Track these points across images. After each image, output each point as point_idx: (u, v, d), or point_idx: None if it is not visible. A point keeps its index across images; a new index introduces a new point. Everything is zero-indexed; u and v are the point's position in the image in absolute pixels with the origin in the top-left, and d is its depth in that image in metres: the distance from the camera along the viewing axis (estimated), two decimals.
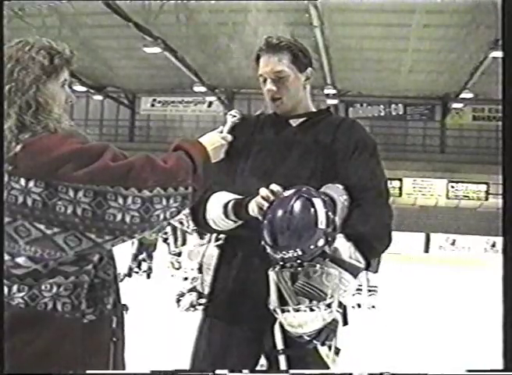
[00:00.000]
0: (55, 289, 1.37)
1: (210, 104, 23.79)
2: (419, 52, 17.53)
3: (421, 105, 22.97)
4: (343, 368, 1.64)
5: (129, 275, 9.58)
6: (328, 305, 1.59)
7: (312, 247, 1.57)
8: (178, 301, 6.63)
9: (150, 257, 9.92)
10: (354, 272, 1.66)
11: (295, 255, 1.56)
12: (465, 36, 15.68)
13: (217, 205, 1.76)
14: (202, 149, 1.56)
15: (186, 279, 7.07)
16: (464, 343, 5.67)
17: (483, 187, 21.02)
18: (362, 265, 1.68)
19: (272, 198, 1.63)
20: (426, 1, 14.28)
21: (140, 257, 9.87)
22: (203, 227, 1.84)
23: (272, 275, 1.63)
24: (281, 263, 1.60)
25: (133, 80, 22.25)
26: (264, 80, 1.87)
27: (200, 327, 1.89)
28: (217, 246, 1.94)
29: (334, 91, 21.22)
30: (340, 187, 1.74)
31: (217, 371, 1.59)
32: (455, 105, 22.03)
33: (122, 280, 9.25)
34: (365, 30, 16.27)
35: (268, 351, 1.78)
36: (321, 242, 1.58)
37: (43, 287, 1.36)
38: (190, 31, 16.45)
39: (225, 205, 1.74)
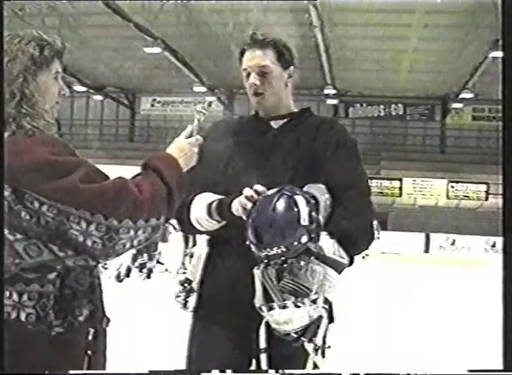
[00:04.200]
0: (15, 297, 1.31)
1: (210, 104, 23.74)
2: (419, 52, 17.54)
3: (421, 105, 22.99)
4: (339, 368, 1.64)
5: (127, 275, 9.54)
6: (314, 301, 1.61)
7: (295, 243, 1.59)
8: (185, 303, 6.57)
9: (150, 257, 9.88)
10: (338, 268, 1.68)
11: (279, 251, 1.58)
12: (465, 36, 15.69)
13: (201, 206, 1.77)
14: (175, 166, 1.49)
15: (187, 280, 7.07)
16: (464, 343, 5.67)
17: (483, 187, 21.01)
18: (346, 261, 1.70)
19: (255, 197, 1.65)
20: (426, 1, 14.28)
21: (141, 259, 9.82)
22: (188, 229, 1.85)
23: (257, 273, 1.64)
24: (265, 261, 1.62)
25: (133, 80, 22.26)
26: (248, 75, 1.87)
27: (192, 331, 1.89)
28: (203, 248, 1.94)
29: (334, 91, 21.22)
30: (322, 186, 1.76)
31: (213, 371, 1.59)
32: (455, 105, 22.04)
33: (121, 281, 9.25)
34: (365, 30, 16.27)
35: (255, 351, 1.80)
36: (304, 239, 1.60)
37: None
38: (190, 31, 16.45)
39: (209, 206, 1.76)
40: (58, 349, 1.34)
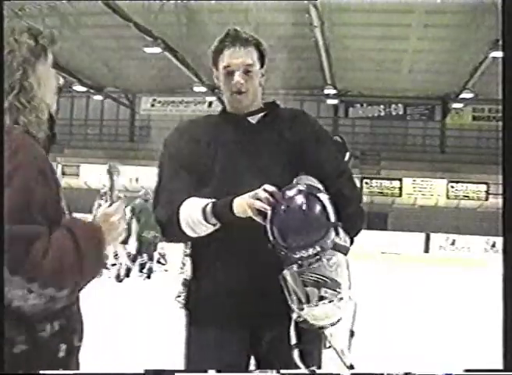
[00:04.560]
0: None
1: (210, 104, 23.80)
2: (419, 52, 17.54)
3: (421, 105, 22.98)
4: (339, 368, 1.65)
5: (127, 275, 9.54)
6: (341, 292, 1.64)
7: (329, 242, 1.62)
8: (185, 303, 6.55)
9: (150, 257, 9.87)
10: (346, 252, 1.71)
11: (314, 252, 1.60)
12: (465, 36, 15.69)
13: (193, 210, 1.73)
14: (97, 237, 1.35)
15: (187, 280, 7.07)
16: (464, 343, 5.67)
17: (483, 187, 21.02)
18: (348, 244, 1.73)
19: (272, 199, 1.63)
20: (426, 1, 14.29)
21: (141, 259, 9.82)
22: (177, 237, 1.83)
23: (290, 275, 1.63)
24: (299, 263, 1.61)
25: (133, 80, 22.25)
26: (230, 73, 1.84)
27: (188, 334, 1.87)
28: (191, 252, 1.91)
29: (334, 91, 21.22)
30: (311, 177, 1.77)
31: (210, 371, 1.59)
32: (455, 105, 22.04)
33: (121, 281, 9.26)
34: (365, 30, 16.29)
35: (258, 351, 1.82)
36: (333, 235, 1.64)
37: None
38: (190, 31, 16.45)
39: (204, 209, 1.72)
40: (20, 368, 1.25)
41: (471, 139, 22.98)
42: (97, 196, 9.65)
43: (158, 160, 1.92)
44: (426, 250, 20.08)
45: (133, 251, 9.76)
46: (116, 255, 9.60)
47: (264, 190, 1.64)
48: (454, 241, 19.99)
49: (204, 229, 1.74)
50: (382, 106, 23.19)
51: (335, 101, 22.78)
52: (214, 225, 1.72)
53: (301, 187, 1.66)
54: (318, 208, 1.62)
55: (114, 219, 1.41)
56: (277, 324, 1.76)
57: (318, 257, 1.61)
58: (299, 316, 1.66)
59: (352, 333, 1.71)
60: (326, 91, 20.80)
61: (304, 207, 1.62)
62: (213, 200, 1.73)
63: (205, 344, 1.82)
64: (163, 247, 11.26)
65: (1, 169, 1.25)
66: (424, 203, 21.76)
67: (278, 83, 19.42)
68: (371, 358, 4.61)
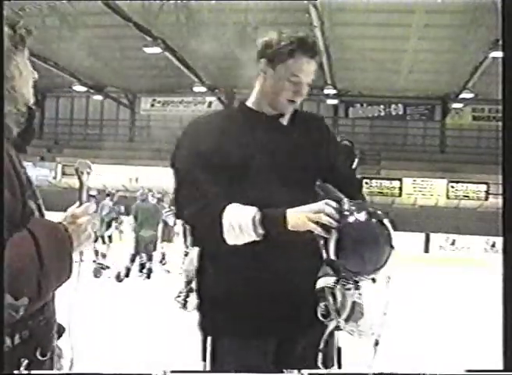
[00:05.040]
0: None
1: (210, 104, 23.80)
2: (419, 52, 17.54)
3: (421, 105, 22.99)
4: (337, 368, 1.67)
5: (127, 275, 9.54)
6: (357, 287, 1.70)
7: (386, 264, 1.66)
8: (184, 303, 6.57)
9: (149, 257, 9.87)
10: None
11: (374, 275, 1.66)
12: (465, 36, 15.69)
13: (242, 219, 1.66)
14: (60, 238, 1.24)
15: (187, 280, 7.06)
16: (464, 343, 5.67)
17: (483, 187, 21.02)
18: None
19: (337, 216, 1.63)
20: (426, 1, 14.28)
21: (140, 260, 9.81)
22: (212, 244, 1.76)
23: (338, 292, 1.67)
24: (357, 284, 1.67)
25: (133, 80, 22.26)
26: (294, 82, 1.79)
27: (213, 347, 1.79)
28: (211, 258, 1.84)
29: (334, 91, 21.22)
30: (331, 186, 1.78)
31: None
32: (455, 105, 22.05)
33: (121, 281, 9.25)
34: (365, 30, 16.28)
35: (292, 361, 1.80)
36: None
37: None
38: (190, 31, 16.45)
39: (253, 219, 1.66)
40: None
41: (471, 139, 22.99)
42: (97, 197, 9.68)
43: (176, 157, 1.81)
44: (426, 250, 20.07)
45: (131, 251, 9.76)
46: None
47: (328, 205, 1.64)
48: (454, 241, 19.98)
49: (247, 238, 1.68)
50: (381, 106, 23.20)
51: (335, 101, 22.78)
52: (259, 235, 1.66)
53: (370, 210, 1.66)
54: (386, 236, 1.64)
55: (82, 221, 1.30)
56: (307, 332, 1.79)
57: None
58: (337, 326, 1.70)
59: (377, 343, 1.78)
60: (326, 91, 20.79)
61: (377, 236, 1.64)
62: (257, 209, 1.67)
63: (236, 359, 1.76)
64: (163, 246, 11.27)
65: (1, 170, 1.23)
66: (424, 203, 21.75)
67: None
68: (371, 358, 4.61)
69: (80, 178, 1.39)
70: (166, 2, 14.97)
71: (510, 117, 1.54)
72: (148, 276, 9.66)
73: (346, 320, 1.66)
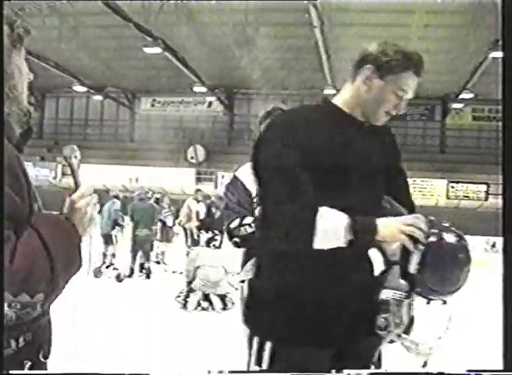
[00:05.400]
0: None
1: (210, 104, 23.80)
2: (419, 52, 17.52)
3: (421, 105, 22.97)
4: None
5: (130, 275, 9.56)
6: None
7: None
8: (184, 303, 6.57)
9: (147, 257, 9.85)
10: None
11: (449, 297, 1.73)
12: (465, 36, 15.70)
13: (335, 223, 1.64)
14: (67, 231, 1.24)
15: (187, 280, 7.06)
16: (464, 343, 5.66)
17: (483, 187, 21.01)
18: None
19: (427, 231, 1.66)
20: (426, 1, 14.29)
21: (138, 259, 9.80)
22: (299, 246, 1.69)
23: (405, 307, 1.73)
24: (428, 299, 1.74)
25: (133, 80, 22.26)
26: (397, 95, 1.78)
27: (273, 353, 1.77)
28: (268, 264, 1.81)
29: (334, 91, 21.21)
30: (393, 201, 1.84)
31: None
32: (455, 105, 22.05)
33: (121, 281, 9.25)
34: (365, 30, 16.27)
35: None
36: None
37: None
38: (190, 31, 16.45)
39: (346, 225, 1.63)
40: None
41: (471, 139, 22.98)
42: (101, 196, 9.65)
43: (264, 150, 1.73)
44: None
45: (129, 250, 9.76)
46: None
47: (420, 219, 1.68)
48: None
49: (335, 244, 1.65)
50: None
51: None
52: (346, 242, 1.64)
53: (459, 233, 1.71)
54: (467, 261, 1.69)
55: (81, 205, 1.27)
56: (360, 343, 1.81)
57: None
58: (393, 341, 1.78)
59: (425, 364, 1.96)
60: (326, 91, 20.78)
61: (462, 260, 1.68)
62: (347, 215, 1.65)
63: (294, 359, 1.75)
64: (159, 246, 11.27)
65: (1, 169, 1.22)
66: (424, 203, 21.73)
67: (278, 83, 19.42)
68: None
69: (70, 164, 1.36)
70: (166, 2, 14.97)
71: (510, 117, 1.54)
72: (148, 276, 9.65)
73: (405, 333, 1.74)
